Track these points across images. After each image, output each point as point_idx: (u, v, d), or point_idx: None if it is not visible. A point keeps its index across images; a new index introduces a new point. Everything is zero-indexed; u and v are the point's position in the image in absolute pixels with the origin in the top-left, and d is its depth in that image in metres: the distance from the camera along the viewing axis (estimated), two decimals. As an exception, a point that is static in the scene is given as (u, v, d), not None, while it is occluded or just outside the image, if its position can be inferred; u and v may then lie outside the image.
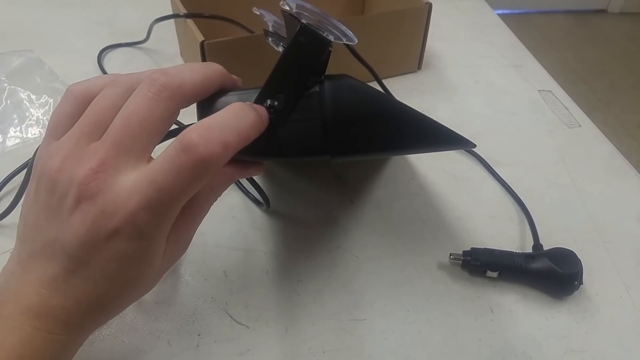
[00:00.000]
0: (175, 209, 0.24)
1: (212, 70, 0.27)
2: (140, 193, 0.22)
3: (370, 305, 0.37)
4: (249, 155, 0.25)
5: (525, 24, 2.54)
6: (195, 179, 0.23)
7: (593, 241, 0.42)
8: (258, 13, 0.34)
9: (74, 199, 0.23)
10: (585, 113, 0.57)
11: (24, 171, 0.45)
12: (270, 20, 0.34)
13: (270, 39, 0.35)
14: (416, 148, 0.35)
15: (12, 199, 0.40)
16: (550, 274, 0.36)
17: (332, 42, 0.28)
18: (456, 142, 0.31)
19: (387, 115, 0.29)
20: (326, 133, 0.28)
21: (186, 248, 0.28)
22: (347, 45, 0.51)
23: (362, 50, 0.52)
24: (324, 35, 0.28)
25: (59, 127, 0.25)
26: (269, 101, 0.27)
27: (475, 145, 0.33)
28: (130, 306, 0.28)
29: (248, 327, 0.35)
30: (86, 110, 0.25)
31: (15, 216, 0.33)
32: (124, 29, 0.68)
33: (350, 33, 0.29)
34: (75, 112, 0.25)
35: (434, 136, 0.31)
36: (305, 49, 0.27)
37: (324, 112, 0.28)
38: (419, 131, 0.30)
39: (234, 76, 0.29)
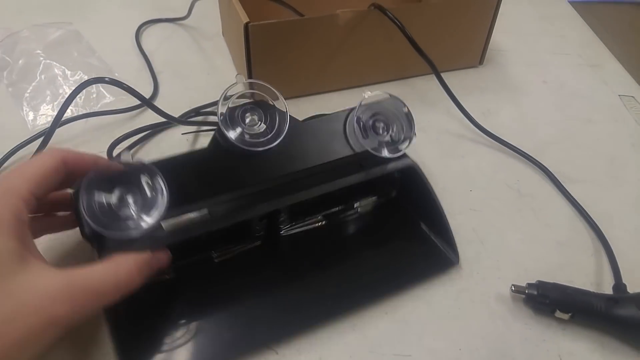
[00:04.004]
0: None
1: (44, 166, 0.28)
2: None
3: (417, 339, 0.32)
4: None
5: (586, 15, 2.36)
6: None
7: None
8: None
9: None
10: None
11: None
12: None
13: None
14: None
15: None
16: (638, 324, 0.30)
17: None
18: None
19: None
20: None
21: None
22: (406, 36, 0.46)
23: (420, 40, 0.46)
24: None
25: None
26: None
27: None
28: None
29: (277, 353, 0.31)
30: None
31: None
32: (166, 4, 0.64)
33: None
34: None
35: None
36: None
37: None
38: None
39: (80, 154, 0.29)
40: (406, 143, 0.35)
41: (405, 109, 0.36)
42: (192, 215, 0.30)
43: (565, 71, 0.57)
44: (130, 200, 0.28)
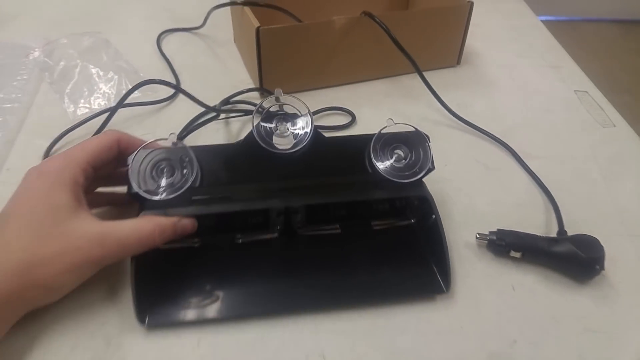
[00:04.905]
0: None
1: (102, 139, 0.37)
2: None
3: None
4: None
5: (569, 32, 2.48)
6: None
7: (620, 234, 0.44)
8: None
9: None
10: (624, 118, 0.58)
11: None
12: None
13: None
14: None
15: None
16: (573, 257, 0.38)
17: None
18: None
19: None
20: None
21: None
22: (392, 39, 0.54)
23: (405, 43, 0.55)
24: None
25: None
26: None
27: None
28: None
29: (278, 324, 0.38)
30: None
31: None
32: (183, 16, 0.73)
33: None
34: None
35: None
36: None
37: None
38: None
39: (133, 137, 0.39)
40: (422, 173, 0.38)
41: (429, 144, 0.39)
42: (215, 195, 0.36)
43: (529, 71, 0.66)
44: (167, 172, 0.35)
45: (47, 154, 0.49)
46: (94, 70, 0.61)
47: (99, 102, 0.58)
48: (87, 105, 0.57)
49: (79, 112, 0.56)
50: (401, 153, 0.38)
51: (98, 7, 0.77)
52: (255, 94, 0.58)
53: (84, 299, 0.36)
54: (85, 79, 0.60)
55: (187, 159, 0.35)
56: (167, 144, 0.36)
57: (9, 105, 0.55)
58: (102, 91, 0.59)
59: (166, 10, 0.76)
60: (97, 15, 0.74)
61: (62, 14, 0.74)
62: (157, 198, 0.34)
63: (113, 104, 0.57)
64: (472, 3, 0.60)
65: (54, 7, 0.75)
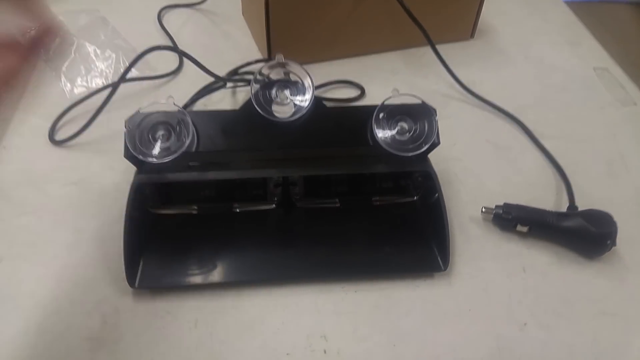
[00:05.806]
0: None
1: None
2: None
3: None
4: None
5: (585, 13, 2.41)
6: None
7: (638, 215, 0.41)
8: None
9: None
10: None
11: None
12: None
13: None
14: None
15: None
16: (583, 232, 0.36)
17: None
18: None
19: None
20: None
21: None
22: (403, 7, 0.51)
23: (417, 13, 0.52)
24: None
25: None
26: None
27: None
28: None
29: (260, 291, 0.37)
30: None
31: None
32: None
33: None
34: None
35: None
36: None
37: None
38: None
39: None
40: (426, 147, 0.36)
41: (435, 118, 0.36)
42: (212, 161, 0.36)
43: (546, 48, 0.62)
44: (163, 136, 0.34)
45: (50, 134, 0.48)
46: (90, 49, 0.60)
47: (96, 81, 0.56)
48: (84, 84, 0.55)
49: (76, 91, 0.54)
50: (405, 125, 0.36)
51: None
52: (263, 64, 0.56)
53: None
54: (82, 57, 0.59)
55: (183, 123, 0.34)
56: (165, 107, 0.35)
57: (4, 83, 0.54)
58: (99, 70, 0.57)
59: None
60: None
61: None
62: (151, 160, 0.34)
63: (111, 83, 0.55)
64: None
65: (53, -15, 0.73)
